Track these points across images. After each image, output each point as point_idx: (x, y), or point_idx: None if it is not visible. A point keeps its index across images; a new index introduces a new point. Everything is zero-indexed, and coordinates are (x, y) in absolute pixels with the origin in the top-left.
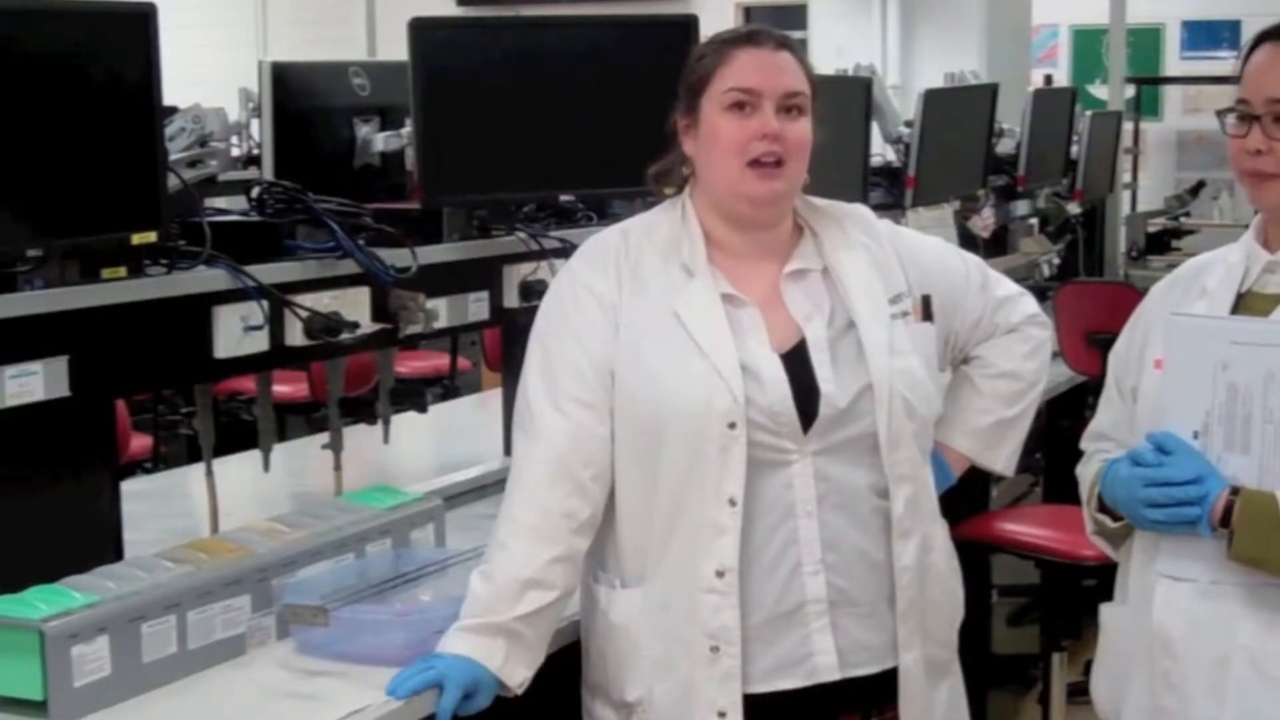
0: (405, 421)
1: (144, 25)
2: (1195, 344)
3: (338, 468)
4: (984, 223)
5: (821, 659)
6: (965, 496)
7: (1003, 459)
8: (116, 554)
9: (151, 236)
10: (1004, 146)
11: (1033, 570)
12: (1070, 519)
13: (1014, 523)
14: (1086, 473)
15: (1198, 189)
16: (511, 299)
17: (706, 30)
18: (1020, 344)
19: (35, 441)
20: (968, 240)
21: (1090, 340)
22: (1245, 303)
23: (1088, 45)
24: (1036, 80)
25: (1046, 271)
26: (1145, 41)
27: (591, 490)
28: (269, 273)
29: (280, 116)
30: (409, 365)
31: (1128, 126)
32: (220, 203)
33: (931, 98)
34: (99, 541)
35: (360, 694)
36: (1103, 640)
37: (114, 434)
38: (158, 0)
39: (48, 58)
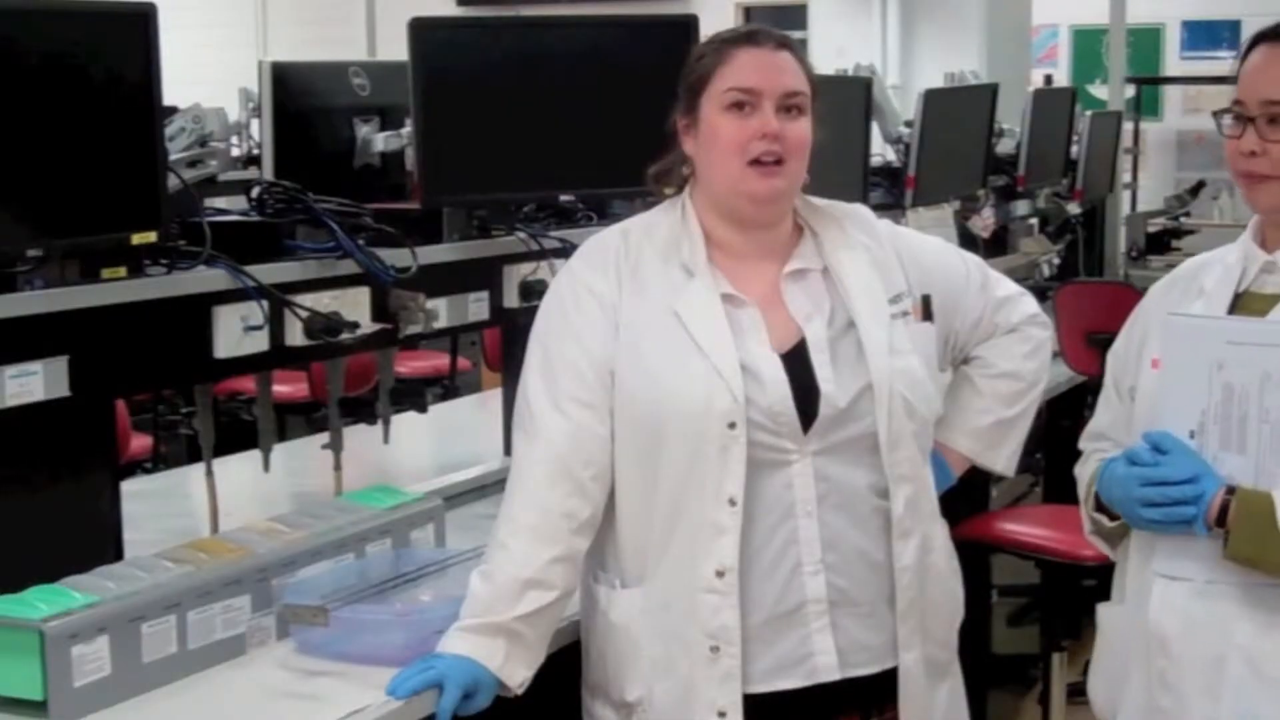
0: (405, 421)
1: (144, 25)
2: (1191, 343)
3: (338, 468)
4: (984, 223)
5: (821, 659)
6: (965, 496)
7: (1003, 459)
8: (116, 554)
9: (151, 236)
10: (1004, 146)
11: (1033, 570)
12: (1070, 519)
13: (1014, 523)
14: (1084, 472)
15: (1198, 189)
16: (511, 299)
17: (706, 30)
18: (1020, 344)
19: (35, 441)
20: (968, 240)
21: (1090, 340)
22: (1243, 303)
23: (1088, 45)
24: (1036, 80)
25: (1046, 271)
26: (1145, 41)
27: (591, 490)
28: (269, 273)
29: (280, 116)
30: (409, 365)
31: (1128, 126)
32: (220, 203)
33: (931, 98)
34: (99, 541)
35: (360, 694)
36: (1100, 640)
37: (114, 434)
38: (158, 0)
39: (48, 58)
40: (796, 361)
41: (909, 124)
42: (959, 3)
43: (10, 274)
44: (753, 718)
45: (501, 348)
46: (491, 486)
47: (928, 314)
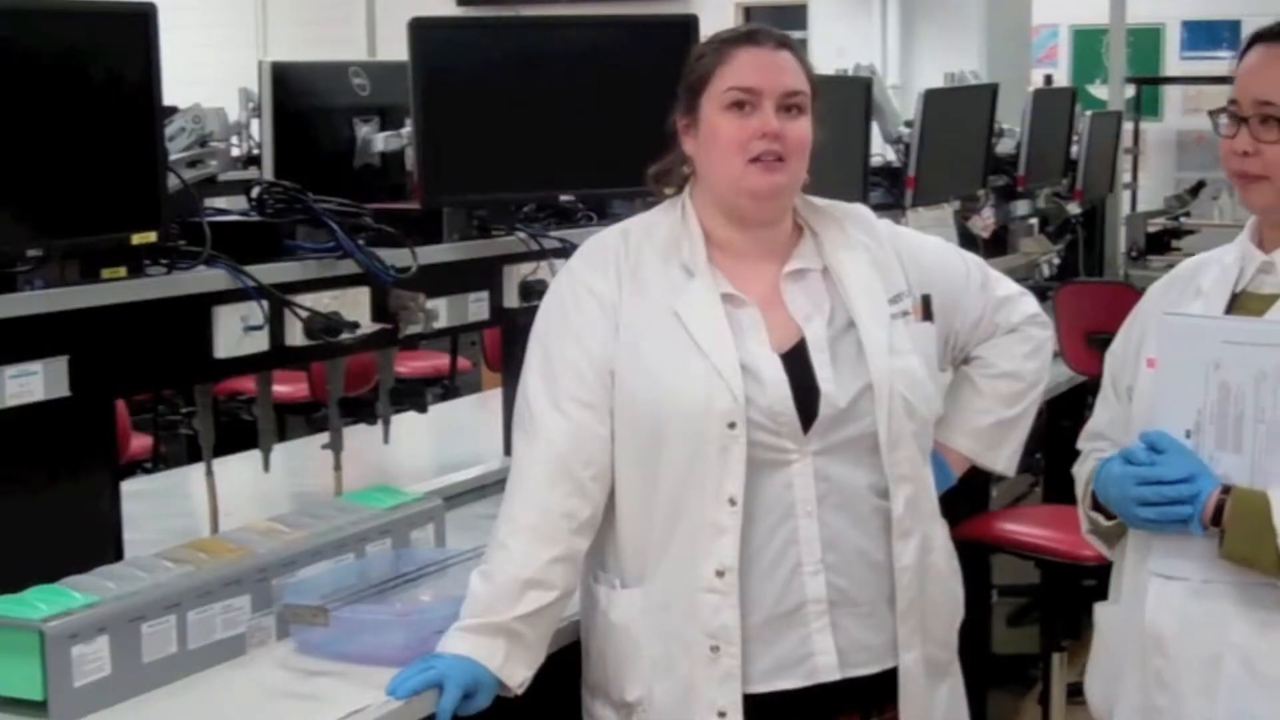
0: (405, 421)
1: (144, 25)
2: (1187, 343)
3: (338, 468)
4: (984, 223)
5: (821, 659)
6: (965, 496)
7: (1003, 459)
8: (116, 554)
9: (151, 236)
10: (1004, 146)
11: (1033, 570)
12: (1070, 519)
13: (1014, 523)
14: (1081, 472)
15: (1197, 189)
16: (511, 299)
17: (706, 30)
18: (1021, 344)
19: (35, 441)
20: (968, 240)
21: (1090, 340)
22: (1240, 303)
23: (1088, 45)
24: (1036, 80)
25: (1046, 271)
26: (1145, 41)
27: (591, 490)
28: (269, 273)
29: (280, 116)
30: (409, 365)
31: (1128, 126)
32: (220, 203)
33: (931, 98)
34: (99, 541)
35: (360, 694)
36: (1097, 639)
37: (114, 434)
38: (158, 0)
39: (48, 58)
40: (796, 361)
41: (909, 124)
42: (959, 3)
43: (10, 274)
44: (753, 718)
45: (501, 348)
46: (491, 486)
47: (928, 314)
